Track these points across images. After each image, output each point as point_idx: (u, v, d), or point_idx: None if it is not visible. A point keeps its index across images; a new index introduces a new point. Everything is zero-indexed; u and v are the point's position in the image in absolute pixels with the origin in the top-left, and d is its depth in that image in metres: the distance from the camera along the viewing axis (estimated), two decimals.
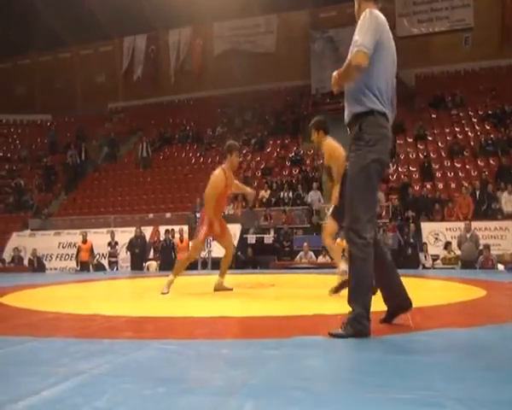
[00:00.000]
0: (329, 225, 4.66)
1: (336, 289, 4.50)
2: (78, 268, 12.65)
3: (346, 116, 2.78)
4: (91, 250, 12.71)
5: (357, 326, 2.52)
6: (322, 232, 4.93)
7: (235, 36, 22.24)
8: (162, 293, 5.14)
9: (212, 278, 6.05)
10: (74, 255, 13.06)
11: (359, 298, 2.58)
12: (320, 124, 4.79)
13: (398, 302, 2.86)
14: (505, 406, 1.52)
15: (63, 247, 14.58)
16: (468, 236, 10.55)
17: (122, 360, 2.15)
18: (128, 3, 20.59)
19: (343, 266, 4.47)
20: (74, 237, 14.08)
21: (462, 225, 11.18)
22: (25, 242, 14.82)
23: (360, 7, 2.79)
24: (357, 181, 2.60)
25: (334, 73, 2.75)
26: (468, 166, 14.81)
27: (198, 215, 11.66)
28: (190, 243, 11.98)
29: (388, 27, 2.74)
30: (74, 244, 13.60)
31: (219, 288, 5.45)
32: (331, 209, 4.62)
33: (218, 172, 5.39)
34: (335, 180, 4.44)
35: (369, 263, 2.60)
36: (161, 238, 12.81)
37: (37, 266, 13.31)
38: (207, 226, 5.36)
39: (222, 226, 5.53)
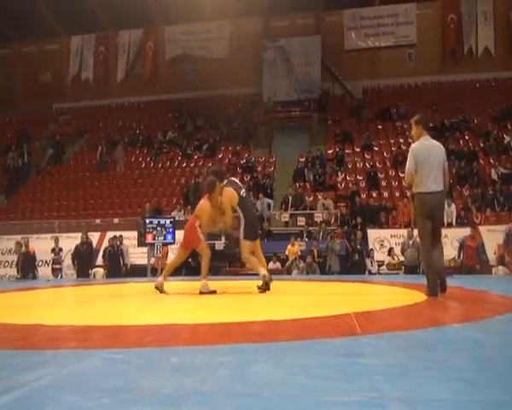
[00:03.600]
0: (246, 246, 5.95)
1: (261, 288, 5.62)
2: (19, 276, 12.03)
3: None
4: (34, 256, 12.13)
5: None
6: (241, 250, 6.13)
7: (188, 40, 22.11)
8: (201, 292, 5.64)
9: (165, 285, 5.95)
10: (15, 262, 12.42)
11: None
12: (218, 174, 6.19)
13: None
14: (444, 403, 1.61)
15: (2, 253, 13.85)
16: (411, 242, 11.02)
17: (66, 372, 2.07)
18: (76, 1, 19.96)
19: (262, 271, 5.71)
20: (15, 242, 13.37)
21: (405, 232, 11.66)
22: None
23: (415, 131, 5.05)
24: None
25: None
26: None
27: (155, 220, 11.46)
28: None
29: (426, 147, 4.90)
30: (15, 251, 12.90)
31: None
32: (242, 235, 5.95)
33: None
34: (226, 213, 6.01)
35: None
36: (106, 245, 12.47)
37: None
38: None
39: None
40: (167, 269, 6.26)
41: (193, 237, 5.99)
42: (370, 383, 1.81)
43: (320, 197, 14.70)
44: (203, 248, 6.06)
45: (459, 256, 11.07)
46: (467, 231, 11.38)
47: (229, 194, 5.89)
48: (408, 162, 4.89)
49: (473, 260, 11.01)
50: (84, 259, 11.98)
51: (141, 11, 20.67)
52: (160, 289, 5.83)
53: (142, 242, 11.52)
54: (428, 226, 4.86)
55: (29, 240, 12.42)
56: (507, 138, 16.05)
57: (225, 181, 6.07)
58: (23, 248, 12.02)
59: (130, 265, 12.46)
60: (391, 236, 12.54)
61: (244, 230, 5.91)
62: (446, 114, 18.05)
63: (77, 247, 12.04)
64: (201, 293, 5.64)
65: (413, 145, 4.95)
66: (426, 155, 4.81)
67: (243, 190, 6.11)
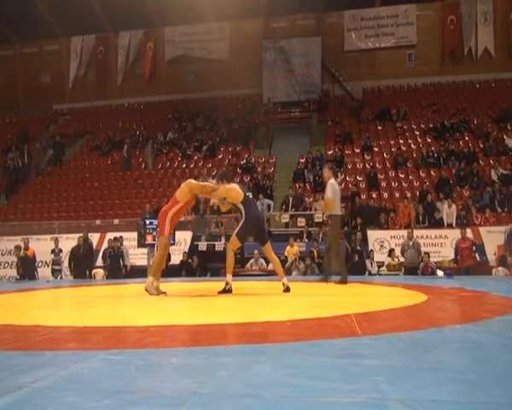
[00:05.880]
0: (234, 242, 5.91)
1: (220, 291, 5.64)
2: (19, 277, 12.02)
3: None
4: (33, 258, 12.12)
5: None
6: (228, 245, 6.11)
7: (188, 42, 22.13)
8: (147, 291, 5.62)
9: (162, 285, 5.95)
10: (15, 264, 12.40)
11: None
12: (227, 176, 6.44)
13: None
14: (443, 405, 1.60)
15: (2, 254, 13.83)
16: (411, 243, 11.01)
17: (65, 373, 2.07)
18: (76, 2, 19.98)
19: (229, 277, 5.74)
20: (15, 243, 13.36)
21: (405, 233, 11.65)
22: None
23: (327, 174, 7.53)
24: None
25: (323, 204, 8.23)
26: (410, 177, 15.50)
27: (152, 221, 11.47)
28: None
29: (337, 185, 7.62)
30: (15, 254, 12.87)
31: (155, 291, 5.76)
32: (236, 230, 5.93)
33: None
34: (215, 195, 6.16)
35: None
36: (105, 247, 12.46)
37: None
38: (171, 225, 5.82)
39: None
40: (154, 269, 5.99)
41: (161, 225, 5.83)
42: (371, 384, 1.81)
43: (319, 198, 14.68)
44: (163, 243, 5.89)
45: (456, 260, 11.08)
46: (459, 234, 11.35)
47: (234, 190, 5.99)
48: (330, 192, 7.24)
49: (469, 260, 11.00)
50: (80, 261, 11.93)
51: (141, 12, 20.69)
52: (156, 292, 5.71)
53: (142, 243, 11.50)
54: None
55: (29, 241, 12.42)
56: (507, 140, 16.04)
57: (233, 184, 6.22)
58: (21, 252, 12.02)
59: (131, 266, 12.46)
60: (391, 237, 12.53)
61: (240, 227, 5.88)
62: (446, 115, 18.05)
63: (73, 250, 11.99)
64: (146, 291, 5.59)
65: (331, 181, 7.37)
66: (338, 190, 7.46)
67: (250, 194, 6.28)
